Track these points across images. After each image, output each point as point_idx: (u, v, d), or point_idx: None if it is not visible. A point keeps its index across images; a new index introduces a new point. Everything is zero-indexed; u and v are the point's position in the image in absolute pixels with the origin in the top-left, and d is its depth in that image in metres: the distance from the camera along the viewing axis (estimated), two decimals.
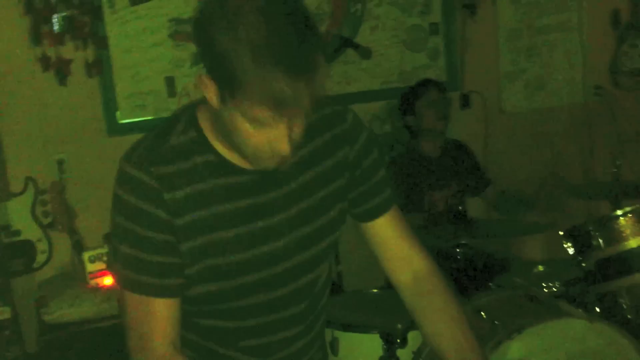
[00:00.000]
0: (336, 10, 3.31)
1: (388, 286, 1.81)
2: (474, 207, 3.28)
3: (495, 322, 2.03)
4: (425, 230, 2.82)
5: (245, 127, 1.14)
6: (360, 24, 3.37)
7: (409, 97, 3.13)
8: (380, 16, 3.41)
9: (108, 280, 2.82)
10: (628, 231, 2.33)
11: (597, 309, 2.35)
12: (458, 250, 2.60)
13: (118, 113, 3.09)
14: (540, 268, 2.65)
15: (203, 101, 1.21)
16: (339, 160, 1.34)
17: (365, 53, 2.96)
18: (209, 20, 1.10)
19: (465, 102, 3.64)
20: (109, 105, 3.08)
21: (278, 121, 1.12)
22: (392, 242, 1.44)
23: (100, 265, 2.83)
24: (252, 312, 1.33)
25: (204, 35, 1.11)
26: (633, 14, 3.86)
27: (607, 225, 2.34)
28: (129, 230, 1.22)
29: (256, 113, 1.11)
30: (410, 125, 3.15)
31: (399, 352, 2.06)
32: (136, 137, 1.30)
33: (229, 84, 1.10)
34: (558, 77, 3.82)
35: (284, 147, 1.16)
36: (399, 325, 2.06)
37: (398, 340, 2.05)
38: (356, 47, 2.94)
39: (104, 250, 2.83)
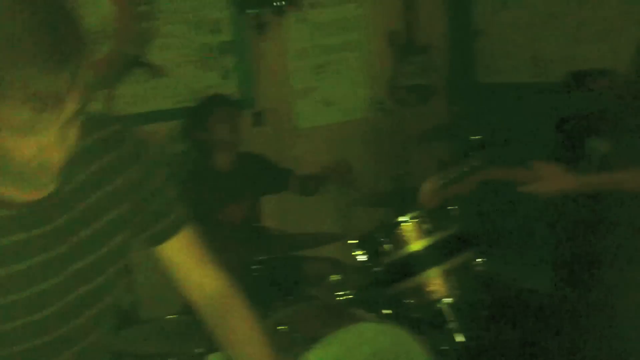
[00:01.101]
0: (123, 27, 3.22)
1: (188, 311, 1.79)
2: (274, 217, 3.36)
3: (295, 334, 2.08)
4: (222, 246, 2.82)
5: (6, 140, 1.00)
6: (148, 42, 3.31)
7: (199, 113, 3.11)
8: (170, 34, 3.38)
9: None
10: (411, 235, 2.51)
11: (388, 311, 2.51)
12: (255, 266, 2.63)
13: None
14: (335, 277, 2.75)
15: None
16: (121, 183, 1.27)
17: (156, 71, 2.91)
18: None
19: (259, 119, 3.71)
20: None
21: (45, 125, 0.99)
22: (186, 264, 1.40)
23: None
24: (37, 353, 1.22)
25: None
26: (409, 34, 4.16)
27: (393, 231, 2.50)
28: None
29: (16, 119, 0.97)
30: (201, 142, 3.13)
31: None
32: None
33: None
34: (345, 94, 4.02)
35: (56, 155, 1.04)
36: (197, 350, 2.04)
37: None
38: (146, 65, 2.89)
39: None
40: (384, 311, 2.50)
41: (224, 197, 3.09)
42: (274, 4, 3.44)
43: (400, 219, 2.51)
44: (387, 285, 2.51)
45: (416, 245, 2.49)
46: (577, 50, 3.74)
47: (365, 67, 4.06)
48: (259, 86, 3.68)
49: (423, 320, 2.45)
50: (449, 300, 2.48)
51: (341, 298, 2.54)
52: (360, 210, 3.50)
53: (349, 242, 2.58)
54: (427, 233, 2.49)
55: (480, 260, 2.56)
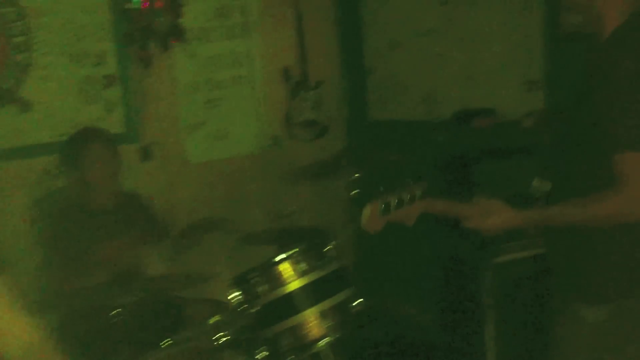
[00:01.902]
0: None
1: None
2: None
3: None
4: (95, 289, 2.71)
5: None
6: (25, 74, 3.18)
7: (72, 148, 2.97)
8: (49, 66, 3.27)
9: None
10: (287, 275, 2.48)
11: (265, 353, 2.45)
12: (122, 309, 2.52)
13: None
14: (215, 319, 2.68)
15: None
16: None
17: (25, 105, 2.79)
18: None
19: (147, 154, 3.62)
20: None
21: None
22: None
23: None
24: None
25: None
26: (302, 70, 4.19)
27: (269, 271, 2.46)
28: None
29: None
30: (77, 178, 2.98)
31: None
32: None
33: None
34: (237, 128, 3.98)
35: None
36: None
37: None
38: (13, 99, 2.77)
39: None
40: (261, 353, 2.44)
41: (100, 236, 2.96)
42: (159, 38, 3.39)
43: (279, 258, 2.48)
44: (264, 327, 2.46)
45: (294, 284, 2.46)
46: (465, 90, 3.84)
47: (257, 101, 4.04)
48: (146, 120, 3.60)
49: None
50: (327, 340, 2.45)
51: (218, 341, 2.47)
52: (248, 248, 3.45)
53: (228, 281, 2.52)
54: (304, 272, 2.46)
55: (360, 299, 2.55)
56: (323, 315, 2.45)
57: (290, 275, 2.45)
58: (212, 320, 2.66)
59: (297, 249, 2.47)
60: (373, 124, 4.37)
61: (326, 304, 2.46)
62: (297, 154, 4.14)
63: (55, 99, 3.30)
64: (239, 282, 2.50)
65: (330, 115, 4.28)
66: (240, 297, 2.48)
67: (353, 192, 3.37)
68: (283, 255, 2.46)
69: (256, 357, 2.41)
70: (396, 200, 1.79)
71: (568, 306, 1.99)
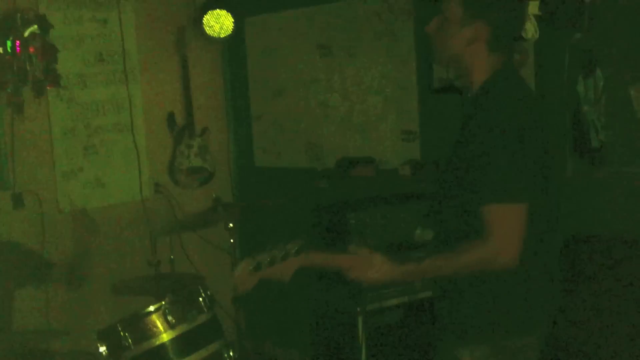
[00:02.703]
0: None
1: None
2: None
3: None
4: None
5: None
6: None
7: None
8: None
9: None
10: (159, 327, 2.43)
11: None
12: None
13: None
14: None
15: None
16: None
17: None
18: None
19: (19, 202, 3.50)
20: None
21: None
22: None
23: None
24: None
25: None
26: (187, 117, 4.18)
27: (137, 324, 2.41)
28: None
29: None
30: None
31: None
32: None
33: None
34: (117, 175, 3.91)
35: None
36: None
37: None
38: None
39: None
40: None
41: None
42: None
43: (148, 309, 2.44)
44: None
45: (163, 337, 2.42)
46: (346, 139, 3.93)
47: (138, 148, 3.98)
48: (19, 167, 3.48)
49: None
50: None
51: None
52: (122, 298, 3.37)
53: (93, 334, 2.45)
54: (174, 324, 2.43)
55: (232, 351, 2.53)
56: None
57: (160, 327, 2.41)
58: None
59: (166, 300, 2.44)
60: (258, 170, 4.39)
61: (197, 356, 2.44)
62: (182, 201, 4.11)
63: None
64: (107, 335, 2.43)
65: (216, 161, 4.28)
66: (105, 350, 2.41)
67: (231, 241, 3.39)
68: (152, 307, 2.42)
69: None
70: (268, 259, 1.82)
71: (447, 347, 2.07)
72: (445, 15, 2.02)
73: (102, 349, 2.39)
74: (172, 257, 3.51)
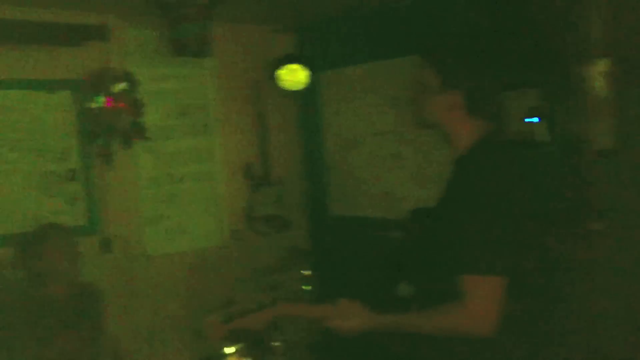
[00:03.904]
0: None
1: None
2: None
3: None
4: None
5: None
6: None
7: (34, 242, 3.08)
8: (14, 161, 3.37)
9: None
10: None
11: None
12: None
13: None
14: None
15: None
16: None
17: None
18: None
19: (107, 246, 3.68)
20: None
21: None
22: None
23: None
24: None
25: None
26: (264, 166, 4.33)
27: None
28: None
29: None
30: (35, 270, 3.07)
31: None
32: None
33: None
34: (197, 222, 4.08)
35: None
36: None
37: None
38: None
39: None
40: None
41: (58, 326, 3.00)
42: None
43: (226, 351, 2.52)
44: None
45: None
46: (418, 189, 3.97)
47: (217, 196, 4.15)
48: (107, 213, 3.68)
49: None
50: None
51: None
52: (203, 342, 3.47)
53: None
54: None
55: None
56: None
57: None
58: None
59: (242, 344, 2.52)
60: (333, 219, 4.48)
61: None
62: (258, 248, 4.22)
63: (18, 192, 3.38)
64: None
65: (292, 210, 4.40)
66: None
67: (305, 287, 3.46)
68: (228, 351, 2.50)
69: None
70: (239, 310, 1.88)
71: None
72: (421, 82, 2.02)
73: None
74: (238, 306, 3.58)
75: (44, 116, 3.47)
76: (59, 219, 3.44)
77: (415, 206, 3.99)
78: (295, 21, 4.35)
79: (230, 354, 2.49)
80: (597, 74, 2.90)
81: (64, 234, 3.12)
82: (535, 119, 3.24)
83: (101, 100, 3.50)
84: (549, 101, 3.19)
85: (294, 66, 4.22)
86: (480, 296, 1.80)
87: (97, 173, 3.65)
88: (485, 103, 2.00)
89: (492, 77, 2.02)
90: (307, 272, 3.16)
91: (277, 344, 2.58)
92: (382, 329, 2.02)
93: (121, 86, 3.57)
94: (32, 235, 3.11)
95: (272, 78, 4.22)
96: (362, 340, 2.08)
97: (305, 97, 4.46)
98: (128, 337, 3.67)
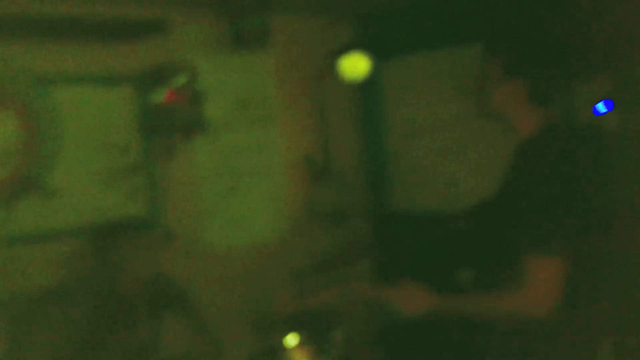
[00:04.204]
0: (27, 150, 3.29)
1: None
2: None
3: None
4: None
5: None
6: (53, 163, 3.36)
7: (119, 237, 3.17)
8: (77, 155, 3.44)
9: None
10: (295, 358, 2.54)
11: None
12: None
13: None
14: None
15: None
16: None
17: (49, 193, 2.98)
18: None
19: (169, 238, 3.72)
20: None
21: None
22: None
23: None
24: None
25: None
26: (324, 160, 4.31)
27: (277, 353, 2.53)
28: None
29: None
30: (114, 262, 3.14)
31: None
32: None
33: None
34: (258, 215, 4.09)
35: None
36: None
37: None
38: (35, 186, 2.96)
39: None
40: None
41: (128, 319, 3.07)
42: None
43: (288, 341, 2.54)
44: None
45: None
46: (482, 181, 3.89)
47: (277, 189, 4.15)
48: (167, 206, 3.72)
49: None
50: None
51: None
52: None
53: None
54: (311, 356, 2.51)
55: None
56: None
57: (299, 358, 2.50)
58: None
59: (302, 334, 2.53)
60: (395, 211, 4.43)
61: None
62: (319, 241, 4.21)
63: (81, 186, 3.46)
64: None
65: (352, 203, 4.37)
66: None
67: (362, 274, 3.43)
68: (288, 341, 2.51)
69: None
70: (314, 286, 1.95)
71: None
72: (483, 72, 2.06)
73: None
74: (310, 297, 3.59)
75: (106, 111, 3.53)
76: (121, 212, 3.51)
77: (480, 198, 3.92)
78: (355, 10, 4.30)
79: (291, 344, 2.50)
80: None
81: (143, 228, 3.20)
82: (605, 108, 3.13)
83: (162, 95, 3.54)
84: (620, 90, 3.08)
85: (355, 56, 4.17)
86: (541, 278, 1.85)
87: (158, 167, 3.69)
88: (549, 91, 2.04)
89: (556, 64, 2.03)
90: (364, 264, 3.17)
91: (336, 334, 2.57)
92: (445, 309, 2.06)
93: (181, 80, 3.60)
94: (110, 229, 3.19)
95: (332, 69, 4.19)
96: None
97: (366, 87, 4.42)
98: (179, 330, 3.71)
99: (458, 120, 3.99)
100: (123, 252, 3.14)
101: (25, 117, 3.27)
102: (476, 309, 1.99)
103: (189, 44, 3.82)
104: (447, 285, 2.23)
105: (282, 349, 2.52)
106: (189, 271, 3.78)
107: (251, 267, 4.03)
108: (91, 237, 3.23)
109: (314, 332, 2.59)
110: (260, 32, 3.86)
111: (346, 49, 4.18)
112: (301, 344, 2.53)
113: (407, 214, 4.34)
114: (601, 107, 3.13)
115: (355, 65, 4.19)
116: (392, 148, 4.42)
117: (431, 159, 4.17)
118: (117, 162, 3.56)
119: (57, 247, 3.34)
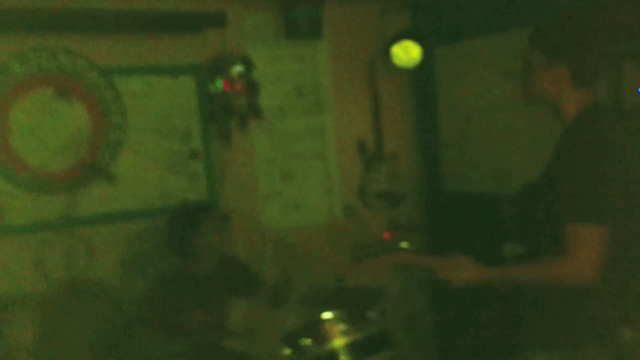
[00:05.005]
0: (96, 138, 3.55)
1: None
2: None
3: None
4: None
5: None
6: (119, 150, 3.61)
7: (194, 219, 3.30)
8: (141, 142, 3.68)
9: None
10: (333, 333, 2.67)
11: None
12: None
13: None
14: None
15: None
16: None
17: (111, 178, 3.22)
18: None
19: (226, 220, 3.90)
20: None
21: None
22: None
23: None
24: None
25: None
26: (377, 143, 4.42)
27: (314, 330, 2.67)
28: None
29: None
30: (187, 245, 3.28)
31: None
32: None
33: None
34: (311, 199, 4.25)
35: None
36: None
37: None
38: (99, 171, 3.20)
39: None
40: None
41: (200, 301, 3.25)
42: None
43: (323, 317, 2.68)
44: None
45: (337, 342, 2.64)
46: (532, 165, 3.91)
47: (331, 173, 4.30)
48: (226, 189, 3.92)
49: None
50: None
51: None
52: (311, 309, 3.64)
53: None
54: (346, 332, 2.65)
55: None
56: None
57: (334, 334, 2.64)
58: None
59: (341, 310, 2.67)
60: (446, 194, 4.50)
61: None
62: (371, 223, 4.33)
63: (144, 171, 3.70)
64: (290, 338, 2.71)
65: (405, 186, 4.46)
66: (289, 351, 2.69)
67: (403, 245, 3.52)
68: (327, 316, 2.65)
69: None
70: (368, 251, 2.04)
71: (525, 351, 2.18)
72: (528, 60, 2.14)
73: (287, 350, 2.68)
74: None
75: (168, 100, 3.75)
76: (182, 195, 3.74)
77: (529, 181, 3.94)
78: None
79: (328, 319, 2.63)
80: None
81: (217, 211, 3.39)
82: None
83: (220, 84, 3.73)
84: None
85: (407, 43, 4.23)
86: (585, 245, 1.93)
87: (217, 152, 3.89)
88: (591, 74, 2.11)
89: (597, 47, 2.11)
90: (404, 244, 3.23)
91: (372, 313, 2.69)
92: (490, 280, 2.17)
93: (238, 69, 3.78)
94: (186, 212, 3.33)
95: (385, 55, 4.26)
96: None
97: (419, 73, 4.48)
98: (241, 307, 3.89)
99: (509, 105, 4.01)
100: (201, 231, 3.27)
101: (94, 107, 3.53)
102: (522, 278, 2.07)
103: (245, 35, 3.99)
104: (494, 259, 2.30)
105: (321, 321, 2.65)
106: (245, 250, 3.97)
107: (305, 247, 4.18)
108: (167, 217, 3.39)
109: (352, 309, 2.70)
110: (314, 21, 3.98)
111: (399, 36, 4.25)
112: (337, 319, 2.65)
113: (458, 197, 4.40)
114: None
115: (408, 52, 4.26)
116: (444, 132, 4.48)
117: (482, 143, 4.21)
118: (179, 148, 3.79)
119: (122, 227, 3.58)
